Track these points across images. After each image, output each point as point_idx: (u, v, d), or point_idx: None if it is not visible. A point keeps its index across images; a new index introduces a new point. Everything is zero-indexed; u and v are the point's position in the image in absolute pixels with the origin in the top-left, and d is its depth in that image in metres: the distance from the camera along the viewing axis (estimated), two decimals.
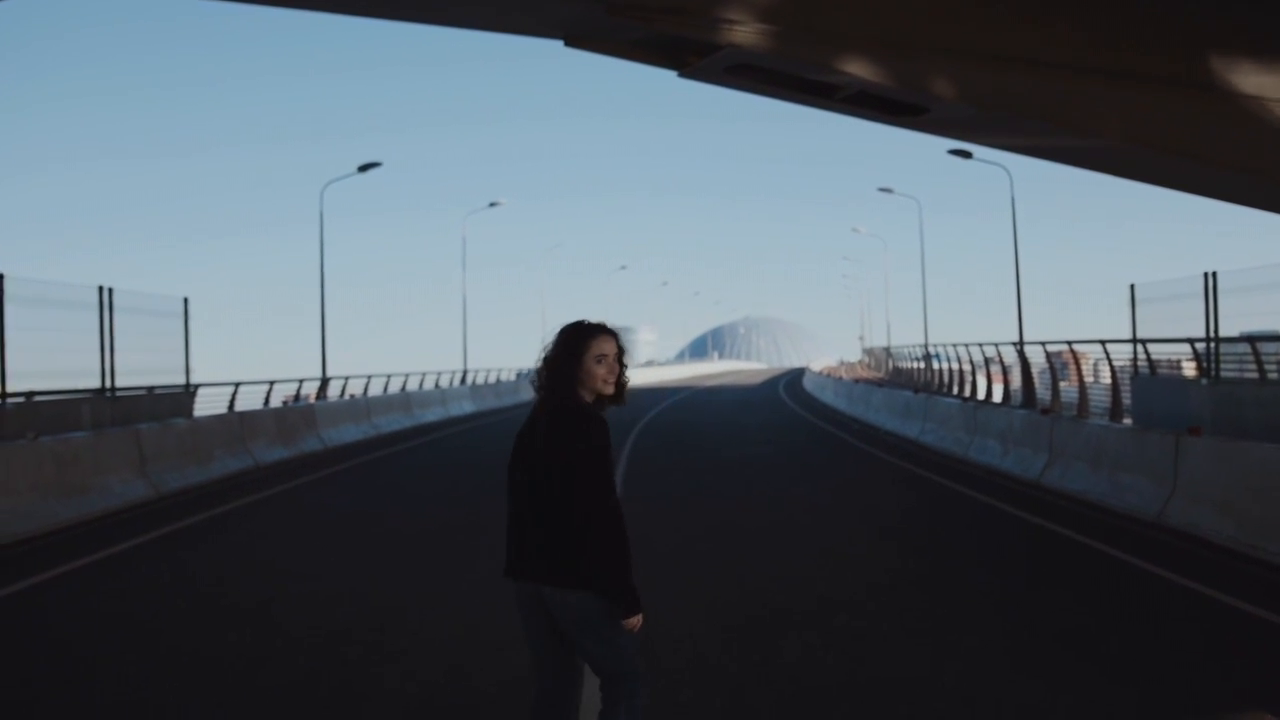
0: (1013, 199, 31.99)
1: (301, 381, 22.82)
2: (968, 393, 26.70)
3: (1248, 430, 13.18)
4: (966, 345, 27.40)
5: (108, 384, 16.42)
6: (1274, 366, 14.79)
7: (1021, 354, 22.20)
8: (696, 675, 5.15)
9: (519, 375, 39.23)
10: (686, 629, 5.94)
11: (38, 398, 14.53)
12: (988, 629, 6.04)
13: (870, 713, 4.66)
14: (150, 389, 17.72)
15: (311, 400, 21.98)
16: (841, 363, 73.13)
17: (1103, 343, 18.32)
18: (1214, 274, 15.97)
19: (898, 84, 7.46)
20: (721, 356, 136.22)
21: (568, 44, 7.65)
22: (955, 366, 29.52)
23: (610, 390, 3.24)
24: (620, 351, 3.26)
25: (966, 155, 30.34)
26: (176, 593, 7.41)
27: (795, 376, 57.10)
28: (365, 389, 25.19)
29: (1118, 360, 18.23)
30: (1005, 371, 23.88)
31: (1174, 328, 16.93)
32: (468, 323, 45.32)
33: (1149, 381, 17.31)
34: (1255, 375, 14.76)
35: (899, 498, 11.65)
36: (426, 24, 7.99)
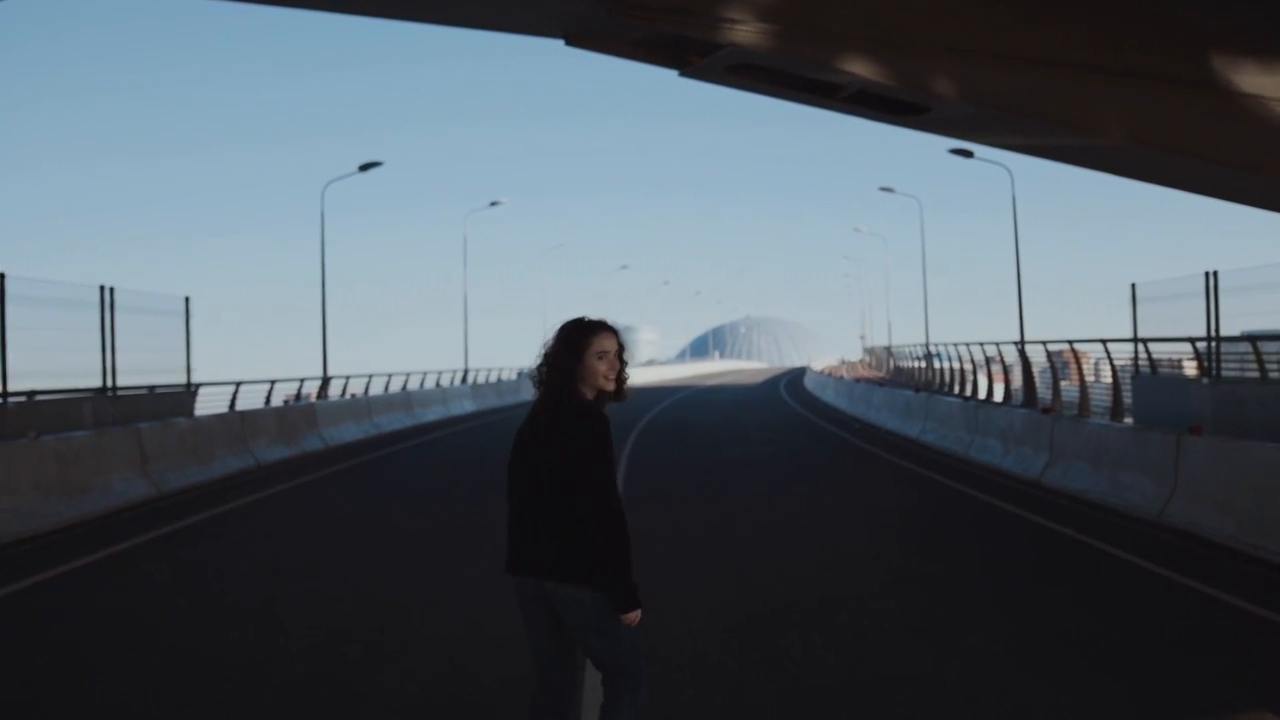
0: (1014, 198, 31.98)
1: (303, 381, 22.82)
2: (969, 392, 26.70)
3: (1249, 429, 13.18)
4: (967, 344, 27.41)
5: (109, 383, 16.44)
6: (1275, 366, 14.77)
7: (1022, 353, 22.21)
8: (697, 674, 5.15)
9: (520, 374, 39.22)
10: (687, 628, 5.95)
11: (39, 397, 14.55)
12: (989, 628, 6.04)
13: (871, 711, 4.66)
14: (151, 388, 17.74)
15: (313, 399, 21.98)
16: (842, 362, 73.15)
17: (1104, 342, 18.33)
18: (1215, 273, 15.98)
19: (899, 83, 7.45)
20: (722, 356, 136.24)
21: (568, 43, 7.64)
22: (956, 366, 29.53)
23: (611, 387, 3.27)
24: (621, 348, 3.29)
25: (968, 155, 30.33)
26: (177, 592, 7.42)
27: (796, 376, 57.11)
28: (366, 388, 25.20)
29: (1119, 359, 18.23)
30: (1006, 371, 23.88)
31: (1175, 327, 16.93)
32: (469, 322, 45.46)
33: (1150, 381, 17.31)
34: (1256, 374, 14.75)
35: (900, 497, 11.66)
36: (427, 23, 7.98)
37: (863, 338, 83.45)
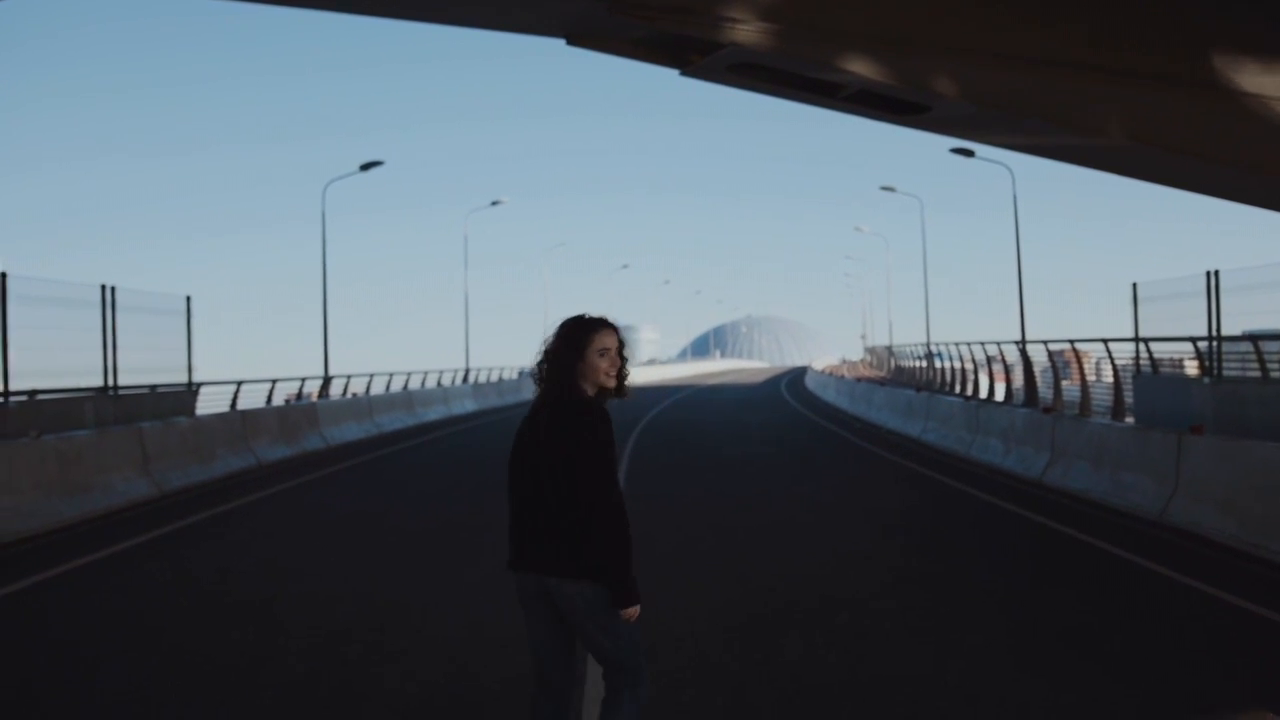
0: (1015, 197, 31.94)
1: (304, 380, 22.82)
2: (970, 391, 26.69)
3: (1250, 429, 13.17)
4: (969, 344, 27.39)
5: (110, 382, 16.45)
6: (1276, 365, 14.76)
7: (1023, 353, 22.19)
8: (698, 674, 5.15)
9: (521, 374, 39.22)
10: (688, 628, 5.95)
11: (40, 396, 14.56)
12: (990, 627, 6.04)
13: (872, 711, 4.66)
14: (153, 387, 17.75)
15: (314, 399, 21.99)
16: (844, 361, 73.12)
17: (1105, 341, 18.31)
18: (1216, 272, 15.97)
19: (900, 82, 7.45)
20: (723, 355, 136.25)
21: (570, 42, 7.65)
22: (957, 365, 29.51)
23: (613, 383, 3.29)
24: (621, 345, 3.31)
25: (969, 154, 30.28)
26: (179, 591, 7.42)
27: (797, 375, 57.11)
28: (368, 387, 25.20)
29: (1120, 359, 18.22)
30: (1007, 370, 23.86)
31: (1176, 326, 16.92)
32: (470, 321, 45.45)
33: (1151, 380, 17.30)
34: (1258, 374, 14.74)
35: (901, 496, 11.65)
36: (428, 23, 7.99)
37: (864, 337, 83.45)
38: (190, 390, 18.81)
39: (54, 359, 15.07)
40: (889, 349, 54.70)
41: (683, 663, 5.29)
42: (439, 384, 30.68)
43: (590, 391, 3.27)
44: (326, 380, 24.94)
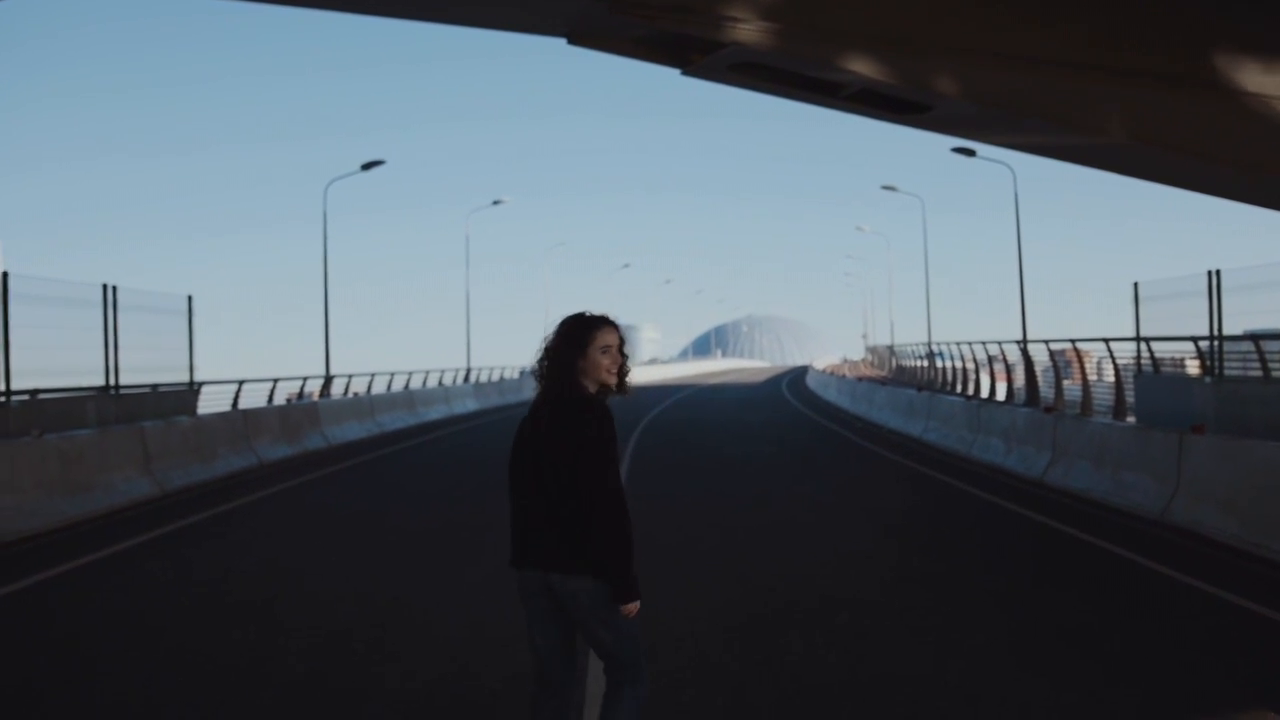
0: (1016, 197, 31.96)
1: (305, 379, 22.83)
2: (971, 391, 26.67)
3: (1251, 428, 13.17)
4: (970, 343, 27.37)
5: (112, 382, 16.47)
6: (1278, 364, 14.75)
7: (1025, 352, 22.18)
8: (698, 674, 5.15)
9: (522, 373, 39.23)
10: (688, 628, 5.95)
11: (42, 395, 14.57)
12: (991, 627, 6.04)
13: (873, 711, 4.66)
14: (154, 387, 17.77)
15: (315, 398, 22.00)
16: (845, 361, 73.09)
17: (1106, 341, 18.30)
18: (1218, 272, 15.96)
19: (901, 82, 7.45)
20: (725, 354, 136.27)
21: (570, 42, 7.65)
22: (958, 365, 29.49)
23: (614, 380, 3.31)
24: (622, 342, 3.34)
25: (970, 153, 30.27)
26: (180, 590, 7.43)
27: (798, 375, 57.09)
28: (369, 387, 25.21)
29: (1121, 358, 18.21)
30: (1008, 370, 23.86)
31: (1178, 326, 16.91)
32: (471, 320, 45.42)
33: (1152, 380, 17.29)
34: (1259, 373, 14.73)
35: (902, 496, 11.65)
36: (430, 22, 7.99)
37: (865, 336, 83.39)
38: (192, 389, 18.83)
39: (56, 358, 15.09)
40: (890, 348, 54.69)
41: (683, 663, 5.29)
42: (440, 383, 30.69)
43: (592, 389, 3.29)
44: (328, 379, 24.96)
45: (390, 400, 23.83)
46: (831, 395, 31.84)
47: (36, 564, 8.23)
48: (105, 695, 5.03)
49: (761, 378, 60.01)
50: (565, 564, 3.18)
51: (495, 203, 44.45)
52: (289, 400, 20.96)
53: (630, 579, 3.16)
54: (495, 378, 37.42)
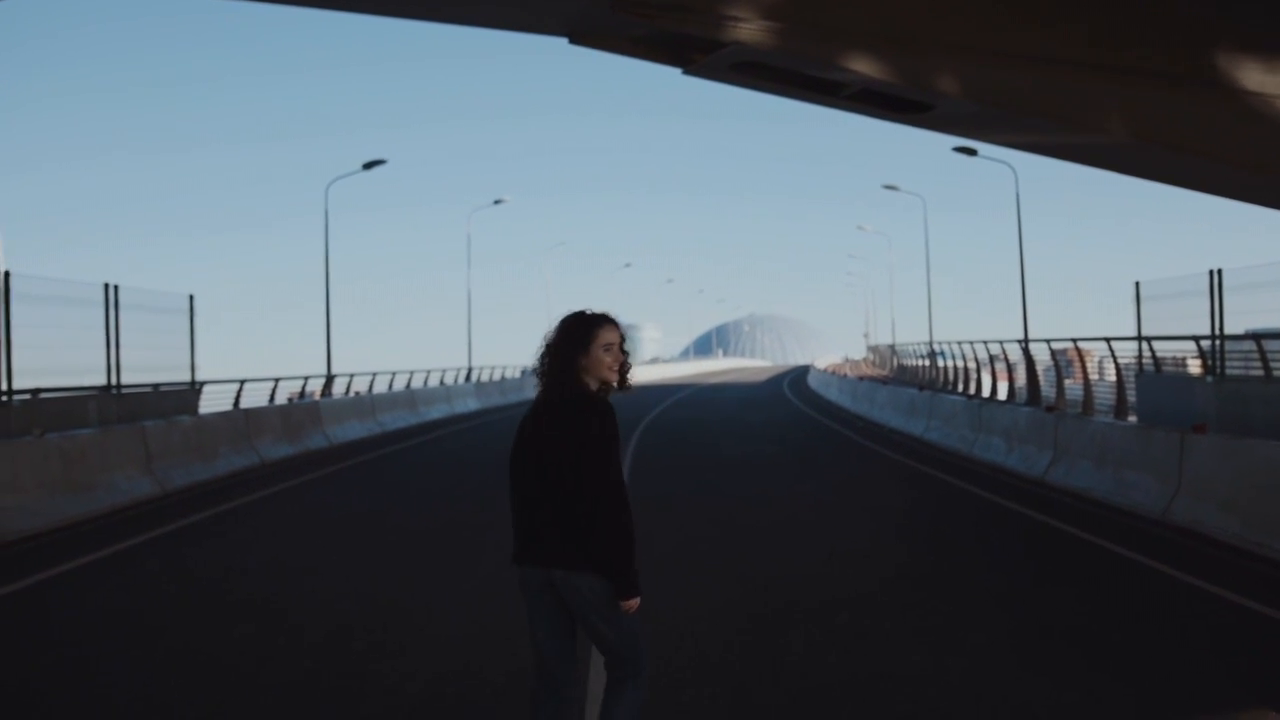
0: (1018, 196, 31.97)
1: (307, 378, 22.84)
2: (972, 390, 26.66)
3: (1253, 428, 13.16)
4: (971, 343, 27.37)
5: (113, 381, 16.47)
6: (1279, 364, 14.74)
7: (1026, 351, 22.16)
8: (699, 674, 5.15)
9: (524, 372, 39.23)
10: (689, 627, 5.95)
11: (44, 395, 14.57)
12: (992, 626, 6.04)
13: (874, 710, 4.66)
14: (156, 386, 17.77)
15: (316, 397, 22.01)
16: (846, 360, 73.03)
17: (1108, 340, 18.29)
18: (1219, 271, 15.95)
19: (902, 81, 7.45)
20: (726, 354, 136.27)
21: (572, 41, 7.65)
22: (960, 364, 29.47)
23: (616, 378, 3.34)
24: (623, 339, 3.37)
25: (972, 153, 30.26)
26: (181, 589, 7.44)
27: (800, 374, 57.08)
28: (370, 386, 25.22)
29: (1123, 358, 18.19)
30: (1010, 369, 23.83)
31: (1179, 325, 16.90)
32: (472, 319, 45.40)
33: (1154, 379, 17.28)
34: (1260, 373, 14.72)
35: (903, 495, 11.65)
36: (431, 21, 7.99)
37: (866, 336, 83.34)
38: (193, 389, 18.83)
39: (57, 358, 15.10)
40: (892, 348, 54.66)
41: (683, 663, 5.29)
42: (442, 382, 30.69)
43: (594, 386, 3.32)
44: (329, 379, 24.98)
45: (392, 399, 23.84)
46: (833, 394, 31.84)
47: (38, 563, 8.24)
48: (106, 694, 5.04)
49: (763, 377, 60.00)
50: (567, 560, 3.20)
51: (497, 202, 44.48)
52: (290, 399, 20.97)
53: (632, 575, 3.19)
54: (496, 377, 37.43)
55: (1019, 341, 23.68)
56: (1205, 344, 16.01)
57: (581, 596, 3.21)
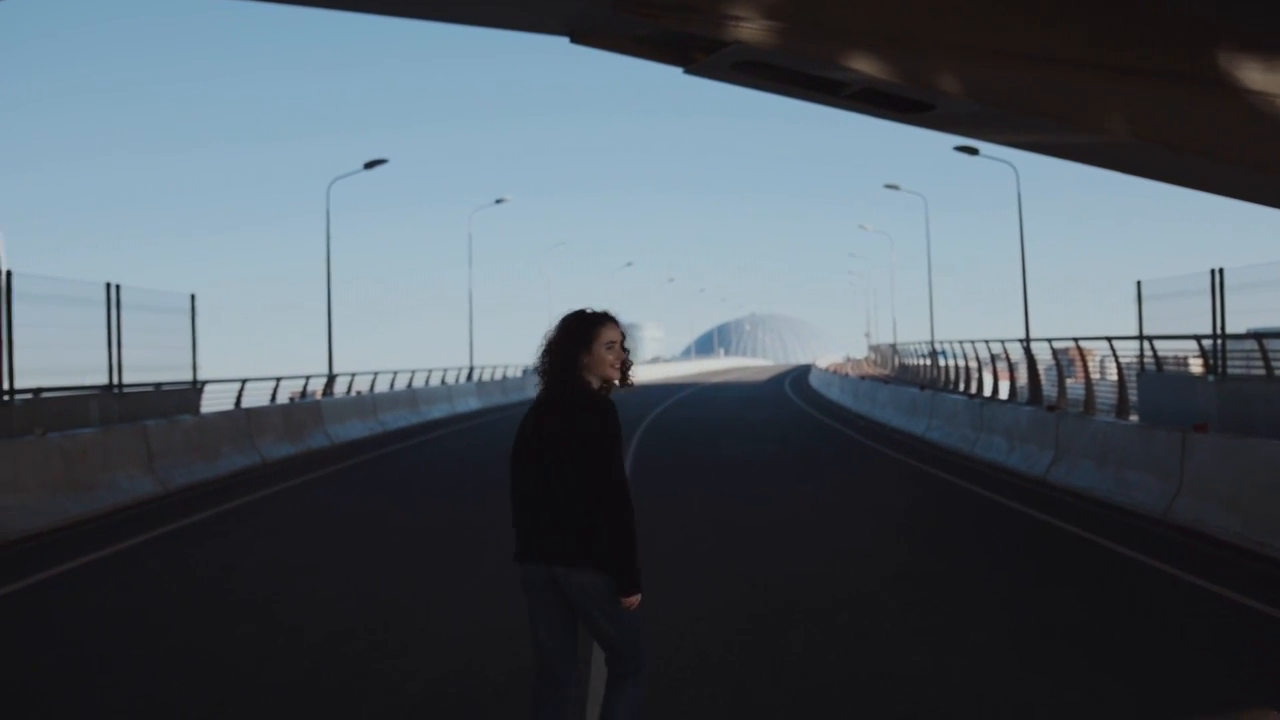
0: (1019, 195, 31.99)
1: (308, 378, 22.84)
2: (974, 389, 26.67)
3: (1254, 427, 13.16)
4: (973, 342, 27.37)
5: (115, 380, 16.48)
6: None
7: (1028, 351, 22.16)
8: (699, 674, 5.15)
9: (525, 371, 39.23)
10: (689, 627, 5.95)
11: (45, 394, 14.58)
12: (994, 625, 6.04)
13: (875, 710, 4.66)
14: (157, 385, 17.78)
15: (318, 397, 22.02)
16: (848, 359, 73.03)
17: (1109, 339, 18.29)
18: (1221, 270, 15.94)
19: (903, 80, 7.44)
20: (727, 353, 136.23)
21: (573, 40, 7.64)
22: (961, 363, 29.48)
23: (617, 376, 3.36)
24: (624, 337, 3.40)
25: (973, 152, 30.25)
26: (182, 589, 7.44)
27: (801, 373, 57.08)
28: (372, 385, 25.23)
29: (1124, 357, 18.19)
30: (1011, 368, 23.84)
31: (1181, 324, 16.90)
32: (473, 319, 45.41)
33: (1155, 378, 17.27)
34: (1262, 372, 14.71)
35: (905, 494, 11.65)
36: (432, 21, 7.99)
37: (868, 335, 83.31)
38: (195, 388, 18.84)
39: (59, 357, 15.10)
40: (893, 347, 54.61)
41: (683, 663, 5.29)
42: (443, 382, 30.69)
43: (595, 384, 3.33)
44: (331, 378, 24.98)
45: (393, 399, 23.85)
46: (834, 394, 31.84)
47: (39, 562, 8.24)
48: (107, 693, 5.04)
49: (764, 376, 60.00)
50: (569, 557, 3.22)
51: (498, 201, 44.47)
52: (292, 399, 20.97)
53: (633, 572, 3.21)
54: (498, 376, 37.42)
55: (1020, 341, 23.67)
56: (1207, 343, 16.00)
57: (583, 592, 3.23)
